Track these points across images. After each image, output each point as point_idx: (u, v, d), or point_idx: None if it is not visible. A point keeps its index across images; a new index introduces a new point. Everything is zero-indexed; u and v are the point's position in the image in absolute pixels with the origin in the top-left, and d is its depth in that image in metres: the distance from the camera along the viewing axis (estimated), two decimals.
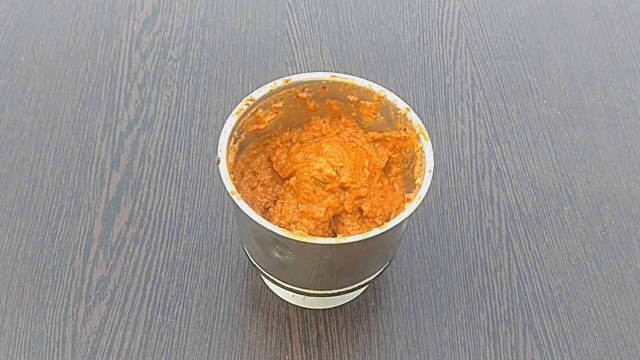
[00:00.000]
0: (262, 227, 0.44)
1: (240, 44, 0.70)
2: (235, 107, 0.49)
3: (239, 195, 0.45)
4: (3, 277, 0.54)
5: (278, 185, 0.52)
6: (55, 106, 0.64)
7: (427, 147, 0.48)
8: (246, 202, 0.45)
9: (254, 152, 0.53)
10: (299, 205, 0.49)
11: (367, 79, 0.51)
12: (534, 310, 0.55)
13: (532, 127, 0.65)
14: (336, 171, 0.48)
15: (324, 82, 0.51)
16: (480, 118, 0.66)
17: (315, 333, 0.53)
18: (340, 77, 0.51)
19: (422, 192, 0.45)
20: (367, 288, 0.55)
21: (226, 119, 0.48)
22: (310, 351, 0.52)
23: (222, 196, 0.59)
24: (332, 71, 0.53)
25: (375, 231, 0.44)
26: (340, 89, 0.51)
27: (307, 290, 0.49)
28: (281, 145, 0.53)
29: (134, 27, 0.71)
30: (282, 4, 0.74)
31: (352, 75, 0.51)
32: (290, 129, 0.54)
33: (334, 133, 0.53)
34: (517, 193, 0.61)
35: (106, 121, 0.63)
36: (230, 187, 0.45)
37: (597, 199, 0.61)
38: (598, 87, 0.69)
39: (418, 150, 0.49)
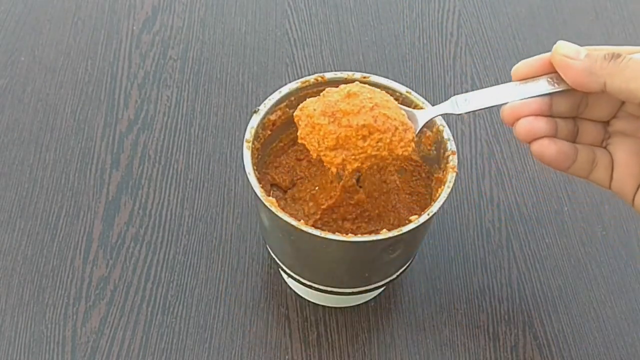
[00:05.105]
0: (252, 188, 0.45)
1: (240, 44, 0.70)
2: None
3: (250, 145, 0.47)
4: (3, 277, 0.54)
5: (322, 168, 0.53)
6: (55, 106, 0.64)
7: (445, 194, 0.45)
8: (278, 166, 0.48)
9: None
10: (316, 187, 0.50)
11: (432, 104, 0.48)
12: (534, 310, 0.55)
13: None
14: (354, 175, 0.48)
15: (397, 93, 0.51)
16: (480, 118, 0.65)
17: (315, 333, 0.53)
18: (414, 96, 0.50)
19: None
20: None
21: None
22: (310, 351, 0.52)
23: (222, 196, 0.59)
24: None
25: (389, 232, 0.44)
26: (413, 106, 0.51)
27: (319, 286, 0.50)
28: None
29: (134, 27, 0.71)
30: (282, 4, 0.74)
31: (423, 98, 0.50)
32: None
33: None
34: (517, 193, 0.61)
35: (106, 121, 0.63)
36: (248, 135, 0.47)
37: (597, 199, 0.61)
38: None
39: (438, 196, 0.46)
